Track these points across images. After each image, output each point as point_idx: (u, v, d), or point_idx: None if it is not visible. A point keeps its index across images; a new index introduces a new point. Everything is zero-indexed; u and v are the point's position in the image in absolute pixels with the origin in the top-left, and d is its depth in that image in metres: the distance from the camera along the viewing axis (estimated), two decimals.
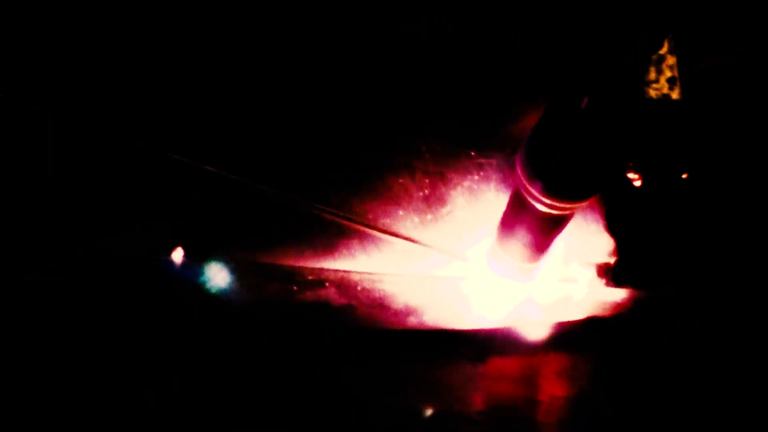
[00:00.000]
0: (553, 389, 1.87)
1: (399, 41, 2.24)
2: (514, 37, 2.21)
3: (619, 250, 2.19)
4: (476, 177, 2.21)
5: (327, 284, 2.02)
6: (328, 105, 2.20)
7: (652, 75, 1.76)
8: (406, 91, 2.23)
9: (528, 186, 1.63)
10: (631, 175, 1.89)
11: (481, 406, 1.82)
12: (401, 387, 1.82)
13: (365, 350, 1.88)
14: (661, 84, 1.68)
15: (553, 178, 1.60)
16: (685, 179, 1.93)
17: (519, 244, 1.87)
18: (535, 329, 1.97)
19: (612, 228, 2.21)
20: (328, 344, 1.87)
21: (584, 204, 1.65)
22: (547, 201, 1.63)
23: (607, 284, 2.16)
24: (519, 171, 1.64)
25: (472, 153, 2.22)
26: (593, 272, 2.16)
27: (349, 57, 2.22)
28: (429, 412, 1.78)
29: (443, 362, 1.89)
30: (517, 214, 1.79)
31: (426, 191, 2.18)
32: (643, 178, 1.93)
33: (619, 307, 2.11)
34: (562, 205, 1.65)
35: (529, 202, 1.68)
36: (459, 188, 2.21)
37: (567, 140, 1.54)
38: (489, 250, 2.06)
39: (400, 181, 2.18)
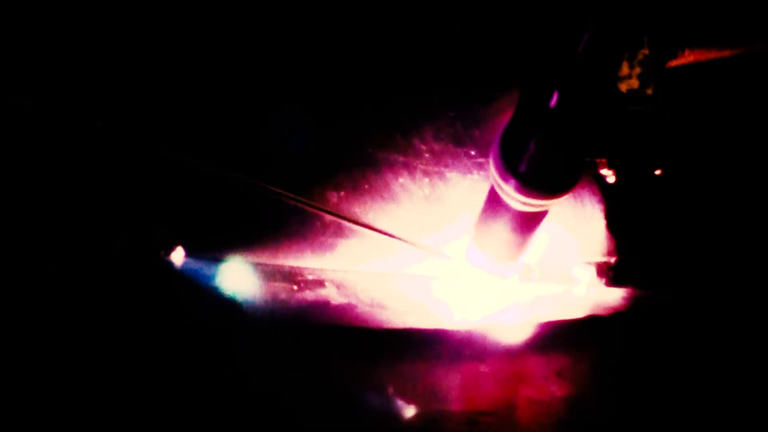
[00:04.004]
0: (553, 389, 1.88)
1: (398, 41, 2.24)
2: (513, 35, 2.21)
3: (619, 249, 2.19)
4: (476, 176, 2.21)
5: (327, 284, 2.02)
6: (327, 105, 2.19)
7: (625, 70, 1.75)
8: (406, 91, 2.22)
9: (501, 184, 1.62)
10: (604, 171, 1.88)
11: (480, 406, 1.82)
12: (401, 386, 1.82)
13: (365, 349, 1.88)
14: (634, 79, 1.68)
15: (525, 175, 1.57)
16: (658, 175, 1.92)
17: (496, 241, 1.86)
18: (535, 329, 1.97)
19: (612, 228, 2.21)
20: (328, 343, 1.87)
21: (559, 200, 1.63)
22: (521, 198, 1.62)
23: (607, 284, 2.16)
24: (492, 169, 1.63)
25: (472, 153, 2.22)
26: (593, 272, 2.16)
27: (349, 57, 2.22)
28: (429, 411, 1.78)
29: (442, 361, 1.89)
30: (492, 212, 1.78)
31: (426, 191, 2.18)
32: (616, 174, 1.93)
33: (618, 306, 2.11)
34: (537, 202, 1.63)
35: (504, 200, 1.66)
36: (459, 187, 2.21)
37: (537, 137, 1.52)
38: (467, 248, 2.05)
39: (400, 180, 2.18)
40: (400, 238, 2.09)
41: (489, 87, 2.23)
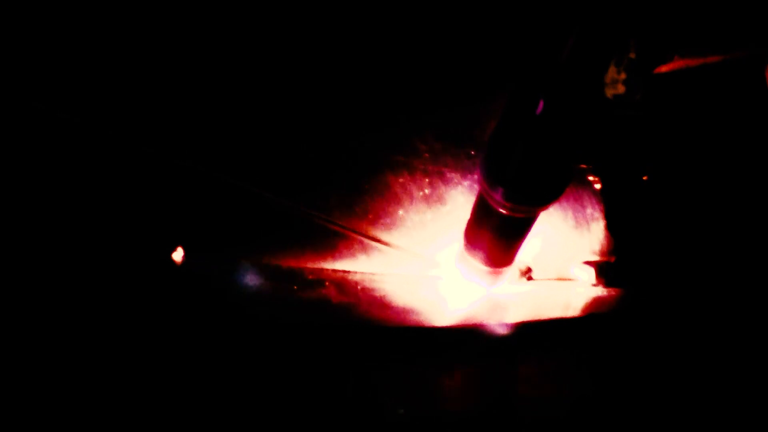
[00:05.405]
0: (553, 389, 1.88)
1: (398, 41, 2.24)
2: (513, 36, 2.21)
3: (619, 249, 2.20)
4: (476, 176, 2.21)
5: (327, 284, 2.03)
6: (327, 106, 2.19)
7: (612, 75, 1.74)
8: (405, 91, 2.22)
9: (489, 191, 1.62)
10: (590, 178, 1.88)
11: (480, 406, 1.82)
12: (401, 385, 1.83)
13: (365, 348, 1.88)
14: (621, 85, 1.67)
15: (513, 183, 1.57)
16: (645, 181, 1.92)
17: (486, 248, 1.86)
18: (535, 328, 1.97)
19: (611, 228, 2.21)
20: (328, 342, 1.87)
21: (548, 206, 1.63)
22: (509, 205, 1.61)
23: (607, 284, 2.16)
24: (480, 176, 1.63)
25: (472, 152, 2.22)
26: (593, 272, 2.16)
27: (349, 58, 2.22)
28: (428, 410, 1.79)
29: (442, 361, 1.89)
30: (481, 219, 1.77)
31: (426, 191, 2.18)
32: (602, 180, 1.92)
33: (618, 306, 2.11)
34: (525, 209, 1.63)
35: (492, 207, 1.66)
36: (459, 187, 2.21)
37: (523, 145, 1.52)
38: (456, 255, 2.05)
39: (400, 180, 2.18)
40: (391, 245, 2.10)
41: (489, 87, 2.23)
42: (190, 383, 1.74)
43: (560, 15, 1.42)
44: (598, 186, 1.80)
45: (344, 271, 2.07)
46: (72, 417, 1.63)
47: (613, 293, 2.14)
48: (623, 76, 1.60)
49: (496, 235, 1.78)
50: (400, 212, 2.16)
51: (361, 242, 2.11)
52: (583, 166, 1.83)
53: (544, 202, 1.60)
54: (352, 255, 2.10)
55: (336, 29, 2.23)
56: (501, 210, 1.65)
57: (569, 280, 2.17)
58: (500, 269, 1.95)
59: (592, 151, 1.85)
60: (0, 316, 1.74)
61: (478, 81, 2.24)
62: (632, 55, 1.59)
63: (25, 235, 1.93)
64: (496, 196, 1.61)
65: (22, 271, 1.84)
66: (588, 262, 2.17)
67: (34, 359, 1.70)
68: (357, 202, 2.15)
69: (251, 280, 1.97)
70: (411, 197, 2.17)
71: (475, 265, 1.94)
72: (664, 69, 1.71)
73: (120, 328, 1.80)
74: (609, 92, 1.58)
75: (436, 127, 2.23)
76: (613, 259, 2.19)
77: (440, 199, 2.19)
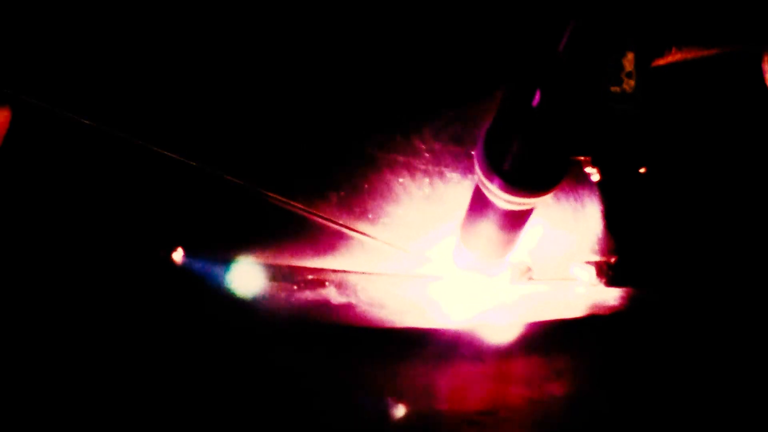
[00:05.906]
0: (553, 389, 1.88)
1: (398, 41, 2.24)
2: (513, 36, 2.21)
3: (619, 249, 2.19)
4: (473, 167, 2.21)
5: (326, 283, 2.03)
6: (327, 106, 2.20)
7: (610, 68, 1.73)
8: (406, 91, 2.23)
9: (486, 183, 1.62)
10: (588, 170, 1.87)
11: (480, 406, 1.82)
12: (401, 385, 1.82)
13: (364, 348, 1.88)
14: (619, 77, 1.66)
15: (509, 174, 1.57)
16: (643, 173, 1.92)
17: (483, 239, 1.85)
18: (535, 328, 1.97)
19: (612, 227, 2.21)
20: (328, 342, 1.88)
21: (545, 198, 1.62)
22: (505, 197, 1.61)
23: (607, 284, 2.16)
24: (477, 168, 1.63)
25: (472, 152, 2.22)
26: (593, 272, 2.16)
27: (349, 57, 2.22)
28: (428, 410, 1.79)
29: (441, 361, 1.89)
30: (478, 211, 1.77)
31: (426, 191, 2.18)
32: (600, 172, 1.92)
33: (618, 306, 2.11)
34: (521, 201, 1.63)
35: (489, 199, 1.66)
36: (459, 187, 2.21)
37: (520, 136, 1.52)
38: (454, 248, 2.04)
39: (400, 180, 2.18)
40: (391, 243, 2.10)
41: (489, 87, 2.23)
42: (188, 382, 1.74)
43: (559, 7, 1.42)
44: (596, 178, 1.80)
45: (344, 271, 2.07)
46: (72, 415, 1.63)
47: (614, 293, 2.14)
48: (621, 69, 1.60)
49: (493, 226, 1.78)
50: (400, 212, 2.16)
51: (361, 241, 2.11)
52: (581, 158, 1.83)
53: (540, 193, 1.60)
54: (352, 254, 2.11)
55: (337, 29, 2.23)
56: (497, 201, 1.65)
57: (569, 280, 2.17)
58: (497, 261, 1.95)
59: (590, 142, 1.85)
60: (1, 314, 1.75)
61: (477, 81, 2.24)
62: (630, 49, 1.59)
63: (27, 235, 1.93)
64: (493, 188, 1.61)
65: (23, 270, 1.84)
66: (588, 262, 2.17)
67: (35, 356, 1.70)
68: (357, 201, 2.15)
69: (251, 280, 1.97)
70: (411, 197, 2.17)
71: (472, 257, 1.94)
72: (662, 62, 1.70)
73: (121, 328, 1.80)
74: (610, 87, 1.58)
75: (436, 127, 2.22)
76: (613, 259, 2.18)
77: (440, 199, 2.18)
